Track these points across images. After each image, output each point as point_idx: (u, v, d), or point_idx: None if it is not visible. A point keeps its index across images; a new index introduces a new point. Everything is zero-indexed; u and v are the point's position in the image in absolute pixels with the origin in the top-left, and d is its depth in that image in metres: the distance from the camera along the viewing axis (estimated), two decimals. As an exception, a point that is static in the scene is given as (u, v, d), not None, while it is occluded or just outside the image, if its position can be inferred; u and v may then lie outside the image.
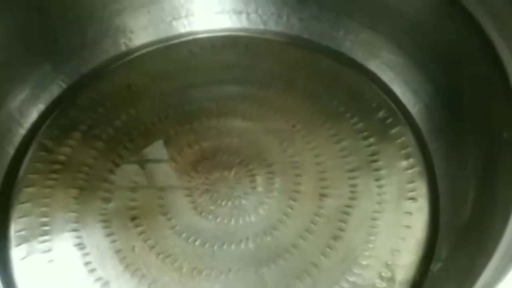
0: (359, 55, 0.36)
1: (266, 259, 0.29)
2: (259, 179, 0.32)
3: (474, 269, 0.23)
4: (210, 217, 0.31)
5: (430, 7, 0.32)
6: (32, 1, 0.33)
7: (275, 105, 0.35)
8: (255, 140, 0.34)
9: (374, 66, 0.35)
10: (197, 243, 0.30)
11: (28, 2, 0.33)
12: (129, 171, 0.33)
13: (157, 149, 0.34)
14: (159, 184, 0.32)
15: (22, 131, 0.34)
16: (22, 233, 0.31)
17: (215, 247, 0.30)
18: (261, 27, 0.38)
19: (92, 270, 0.30)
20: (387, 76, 0.35)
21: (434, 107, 0.33)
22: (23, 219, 0.31)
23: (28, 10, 0.33)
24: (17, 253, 0.30)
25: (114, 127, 0.35)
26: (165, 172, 0.33)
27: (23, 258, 0.30)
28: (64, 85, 0.36)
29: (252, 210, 0.31)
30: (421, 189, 0.31)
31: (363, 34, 0.35)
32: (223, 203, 0.31)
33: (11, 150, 0.33)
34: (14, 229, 0.31)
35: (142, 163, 0.33)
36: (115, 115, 0.35)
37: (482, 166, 0.29)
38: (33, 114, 0.34)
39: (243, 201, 0.31)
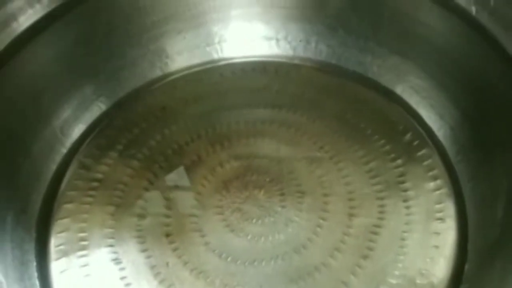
0: (386, 80, 0.37)
1: (296, 277, 0.30)
2: (289, 198, 0.33)
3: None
4: (242, 234, 0.32)
5: (457, 33, 0.33)
6: (75, 29, 0.35)
7: (303, 127, 0.36)
8: (284, 161, 0.35)
9: (400, 90, 0.36)
10: (229, 259, 0.31)
11: (72, 30, 0.35)
12: (163, 189, 0.34)
13: (188, 170, 0.35)
14: (192, 202, 0.34)
15: (64, 150, 0.36)
16: (62, 247, 0.32)
17: (246, 264, 0.31)
18: (290, 53, 0.39)
19: (127, 285, 0.31)
20: (414, 100, 0.36)
21: (459, 130, 0.34)
22: (63, 234, 0.33)
23: (71, 37, 0.35)
24: (56, 267, 0.32)
25: (149, 147, 0.36)
26: (197, 191, 0.34)
27: (62, 271, 0.32)
28: (103, 107, 0.37)
29: (282, 228, 0.32)
30: (449, 209, 0.32)
31: (390, 60, 0.36)
32: (254, 221, 0.32)
33: (53, 168, 0.35)
34: (54, 243, 0.32)
35: (175, 182, 0.35)
36: (150, 136, 0.36)
37: (509, 186, 0.29)
38: (74, 134, 0.36)
39: (273, 219, 0.32)
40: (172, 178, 0.34)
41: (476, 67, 0.32)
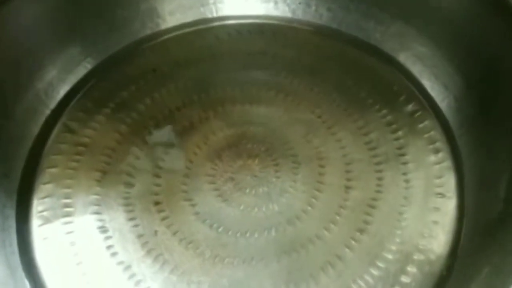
0: (389, 47, 0.35)
1: (289, 249, 0.29)
2: (283, 169, 0.32)
3: (507, 269, 0.23)
4: (234, 204, 0.31)
5: (465, 1, 0.31)
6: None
7: (301, 94, 0.35)
8: (280, 130, 0.33)
9: (403, 58, 0.35)
10: (220, 230, 0.30)
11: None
12: (152, 156, 0.33)
13: (179, 137, 0.33)
14: (183, 171, 0.32)
15: (48, 112, 0.34)
16: (45, 213, 0.31)
17: (238, 235, 0.30)
18: (289, 15, 0.37)
19: (114, 254, 0.30)
20: (417, 69, 0.34)
21: (463, 102, 0.32)
22: (46, 200, 0.31)
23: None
24: (39, 234, 0.30)
25: (138, 111, 0.34)
26: (188, 159, 0.33)
27: (45, 238, 0.30)
28: (90, 67, 0.35)
29: (276, 199, 0.31)
30: (449, 184, 0.30)
31: (394, 26, 0.35)
32: (247, 191, 0.31)
33: (36, 131, 0.33)
34: (37, 209, 0.31)
35: (166, 149, 0.33)
36: (140, 99, 0.35)
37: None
38: (59, 95, 0.34)
39: (267, 190, 0.31)
40: (158, 136, 0.33)
41: (485, 36, 0.31)
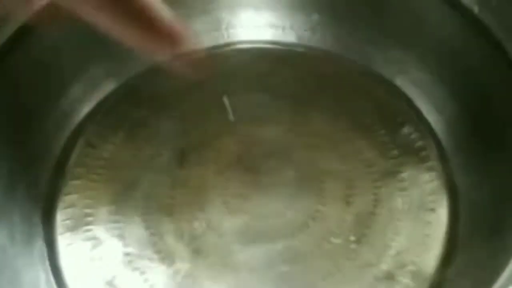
0: (388, 72, 0.37)
1: (293, 259, 0.32)
2: (288, 185, 0.34)
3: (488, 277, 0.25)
4: (241, 216, 0.33)
5: (459, 30, 0.33)
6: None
7: (305, 115, 0.37)
8: (285, 148, 0.36)
9: (400, 82, 0.37)
10: (228, 239, 0.33)
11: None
12: (167, 171, 0.35)
13: (191, 153, 0.36)
14: (195, 184, 0.35)
15: (72, 127, 0.37)
16: (68, 222, 0.34)
17: (245, 244, 0.32)
18: (295, 41, 0.40)
19: (130, 261, 0.32)
20: (413, 93, 0.37)
21: (457, 125, 0.35)
22: (69, 210, 0.34)
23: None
24: (62, 240, 0.33)
25: (156, 128, 0.37)
26: (200, 174, 0.35)
27: (69, 244, 0.33)
28: (112, 86, 0.38)
29: (281, 212, 0.33)
30: (441, 201, 0.33)
31: (394, 52, 0.37)
32: (253, 204, 0.34)
33: (61, 144, 0.36)
34: (60, 218, 0.34)
35: (180, 164, 0.36)
36: (157, 117, 0.37)
37: (504, 181, 0.30)
38: (83, 112, 0.37)
39: (272, 204, 0.34)
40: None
41: (477, 64, 0.33)
